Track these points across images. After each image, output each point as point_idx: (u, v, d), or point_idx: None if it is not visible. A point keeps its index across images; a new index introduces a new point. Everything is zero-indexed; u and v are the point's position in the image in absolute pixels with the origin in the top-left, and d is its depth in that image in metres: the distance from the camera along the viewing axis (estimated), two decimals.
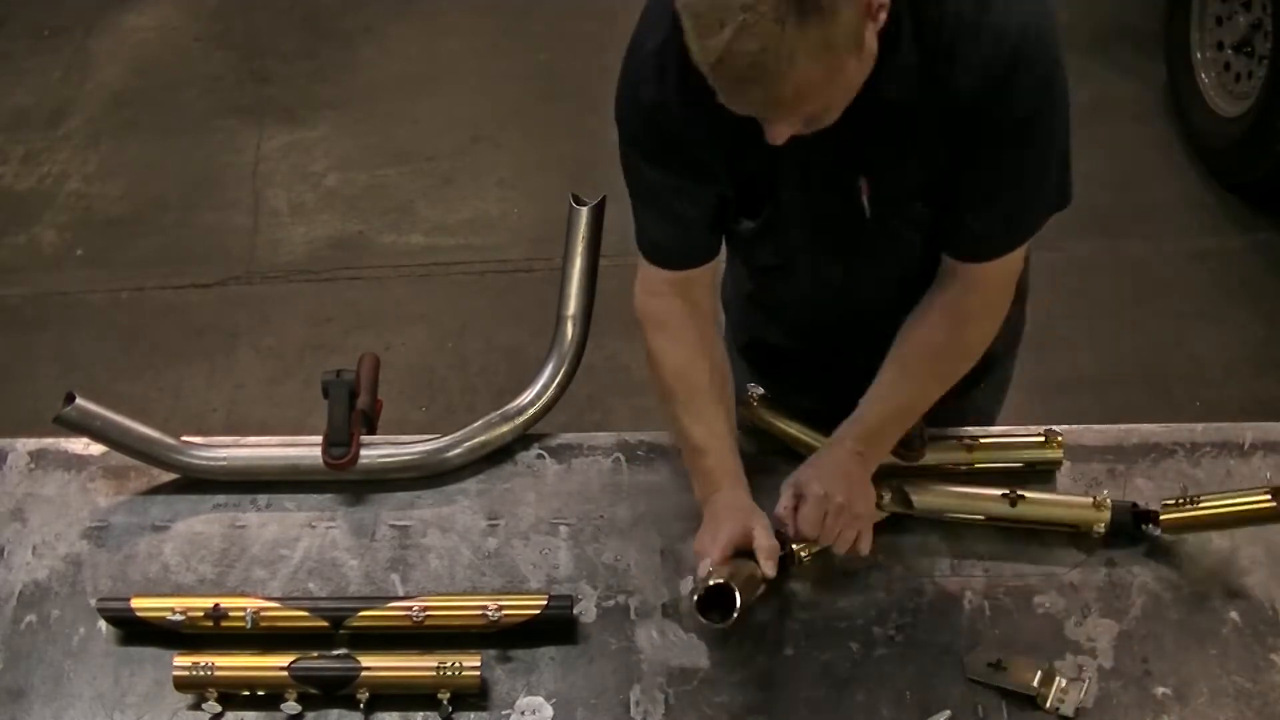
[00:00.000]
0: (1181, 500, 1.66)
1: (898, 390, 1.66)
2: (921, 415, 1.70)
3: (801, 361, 1.90)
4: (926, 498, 1.70)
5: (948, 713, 1.54)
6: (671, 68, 1.46)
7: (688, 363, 1.68)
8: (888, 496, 1.68)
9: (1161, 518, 1.67)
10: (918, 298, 1.68)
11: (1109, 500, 1.68)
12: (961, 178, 1.52)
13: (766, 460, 1.80)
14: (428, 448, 1.81)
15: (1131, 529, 1.69)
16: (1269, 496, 1.61)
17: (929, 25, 1.41)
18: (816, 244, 1.66)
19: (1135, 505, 1.69)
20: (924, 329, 1.65)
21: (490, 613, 1.58)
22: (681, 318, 1.69)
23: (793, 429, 1.80)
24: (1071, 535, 1.70)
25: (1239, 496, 1.64)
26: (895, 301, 1.70)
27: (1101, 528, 1.67)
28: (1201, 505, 1.65)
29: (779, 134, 1.39)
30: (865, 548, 1.63)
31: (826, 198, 1.57)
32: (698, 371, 1.68)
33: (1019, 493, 1.69)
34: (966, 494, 1.72)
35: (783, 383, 1.90)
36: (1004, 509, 1.69)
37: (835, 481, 1.61)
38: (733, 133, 1.45)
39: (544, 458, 1.83)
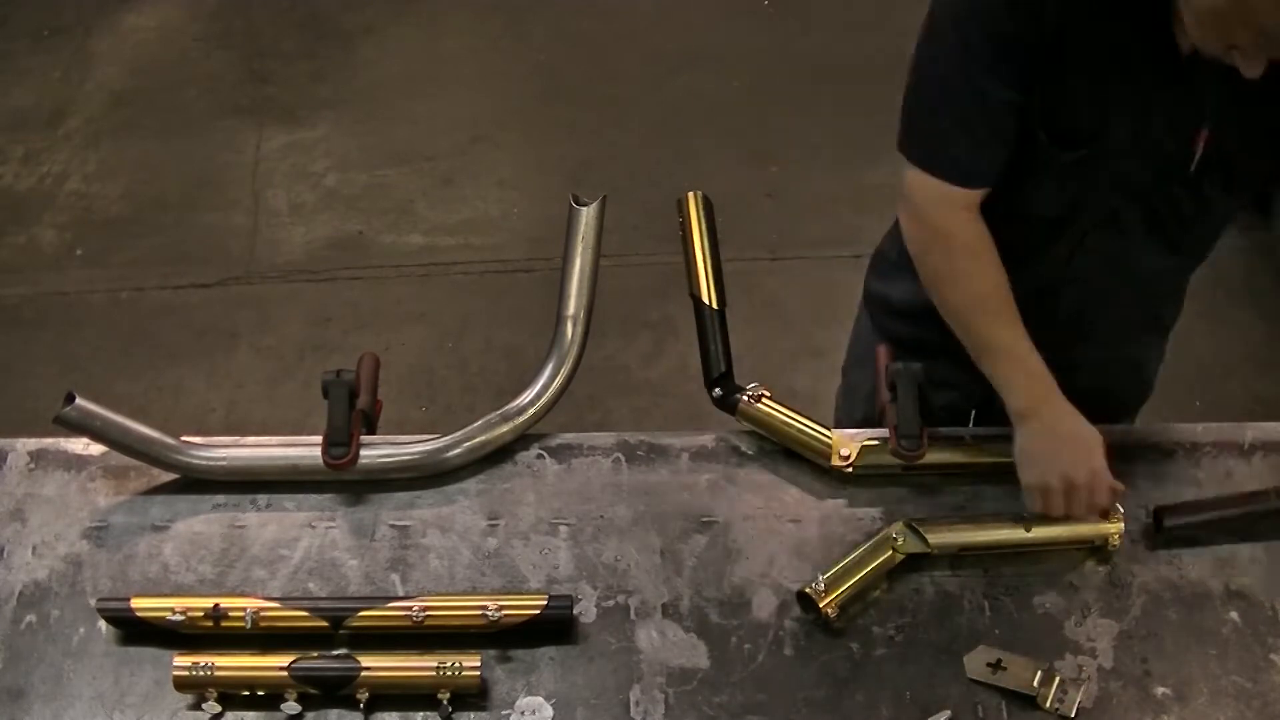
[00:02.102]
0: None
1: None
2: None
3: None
4: (943, 535, 1.68)
5: (948, 713, 1.54)
6: None
7: (1002, 282, 1.67)
8: (901, 540, 1.67)
9: (1166, 523, 1.70)
10: (1146, 322, 1.79)
11: (1122, 512, 1.69)
12: None
13: (766, 460, 1.80)
14: (427, 448, 1.81)
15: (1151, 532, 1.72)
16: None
17: None
18: (1116, 195, 1.65)
19: (1148, 511, 1.72)
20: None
21: (490, 613, 1.58)
22: (987, 242, 1.67)
23: (793, 428, 1.80)
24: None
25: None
26: (1130, 311, 1.79)
27: (1116, 539, 1.67)
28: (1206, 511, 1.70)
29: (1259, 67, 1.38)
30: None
31: (1155, 142, 1.55)
32: (1008, 292, 1.67)
33: (1031, 518, 1.68)
34: (980, 525, 1.71)
35: (932, 360, 1.79)
36: (1019, 535, 1.68)
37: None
38: (1103, 48, 1.46)
39: (544, 458, 1.83)
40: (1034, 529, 1.67)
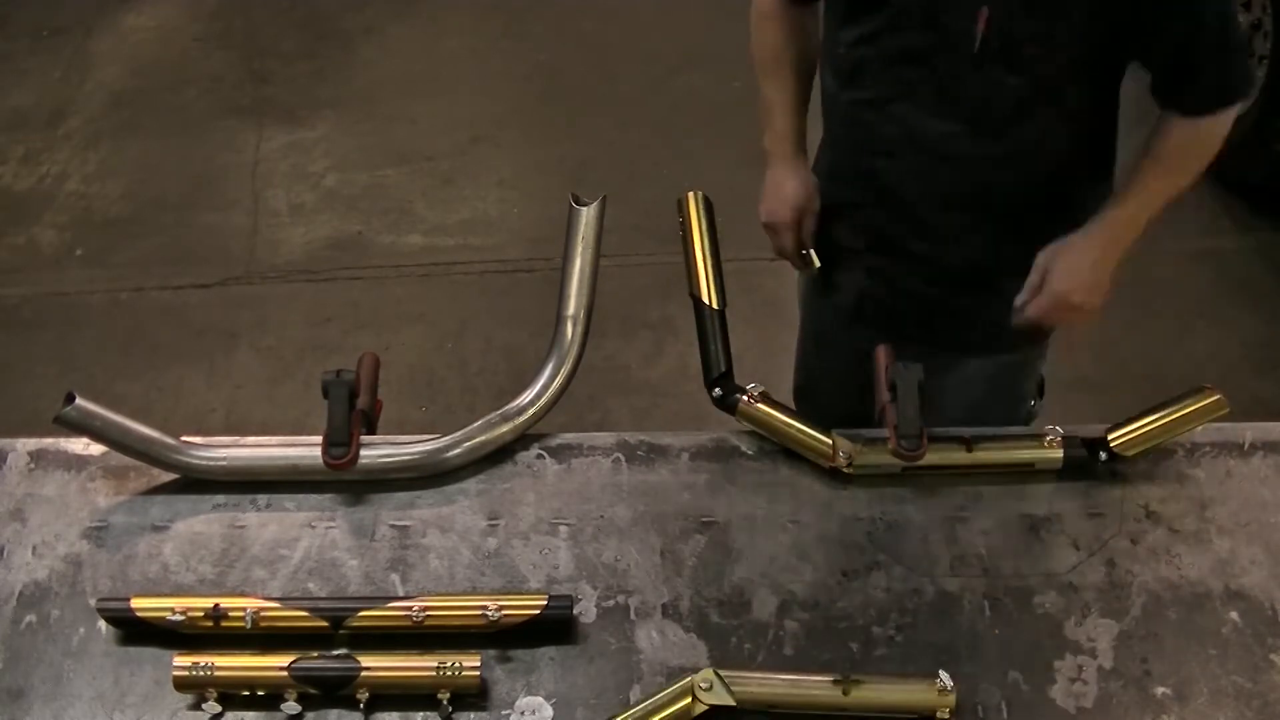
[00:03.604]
0: (1128, 421, 1.75)
1: (1146, 178, 1.82)
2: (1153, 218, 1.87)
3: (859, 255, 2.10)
4: (750, 689, 1.53)
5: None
6: None
7: (781, 47, 2.03)
8: (708, 686, 1.51)
9: (1112, 442, 1.74)
10: (1008, 209, 1.92)
11: (1061, 438, 1.75)
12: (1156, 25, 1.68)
13: (767, 461, 1.80)
14: (427, 448, 1.81)
15: (1087, 462, 1.75)
16: (1207, 390, 1.73)
17: None
18: (908, 67, 1.82)
19: (1084, 440, 1.75)
20: (1174, 147, 1.84)
21: (490, 613, 1.58)
22: (780, 12, 2.03)
23: (793, 428, 1.80)
24: (1069, 534, 1.70)
25: (1182, 402, 1.74)
26: (959, 194, 1.92)
27: (946, 714, 1.51)
28: (1147, 419, 1.74)
29: None
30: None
31: (939, 18, 1.68)
32: (787, 49, 2.03)
33: (852, 677, 1.52)
34: (796, 684, 1.55)
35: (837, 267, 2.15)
36: (835, 697, 1.52)
37: (1077, 275, 1.75)
38: None
39: (544, 458, 1.83)
40: (851, 692, 1.51)
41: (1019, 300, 1.82)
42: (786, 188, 2.08)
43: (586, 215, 1.85)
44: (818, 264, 2.13)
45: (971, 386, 2.12)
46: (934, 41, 1.75)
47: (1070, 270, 1.79)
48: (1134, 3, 1.67)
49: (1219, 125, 1.80)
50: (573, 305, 1.85)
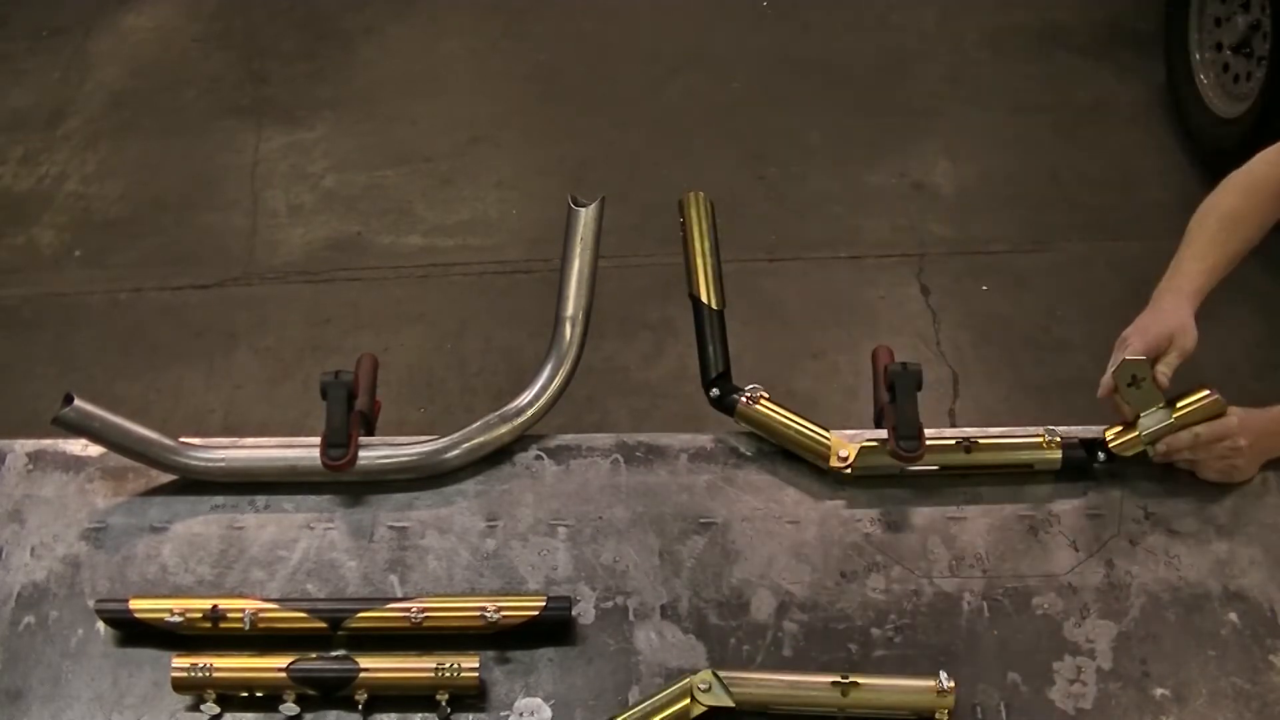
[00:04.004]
0: (1126, 425, 1.75)
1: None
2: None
3: None
4: (748, 690, 1.53)
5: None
6: None
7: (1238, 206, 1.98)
8: (707, 687, 1.52)
9: (1111, 443, 1.74)
10: None
11: (1059, 439, 1.75)
12: None
13: (765, 462, 1.80)
14: (426, 449, 1.81)
15: (1086, 463, 1.76)
16: (1207, 392, 1.73)
17: None
18: None
19: (1082, 441, 1.76)
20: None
21: (489, 614, 1.58)
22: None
23: (792, 429, 1.80)
24: (1068, 535, 1.70)
25: (1180, 401, 1.73)
26: None
27: (945, 715, 1.52)
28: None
29: None
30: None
31: None
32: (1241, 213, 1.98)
33: (851, 678, 1.52)
34: (794, 684, 1.55)
35: None
36: (834, 698, 1.52)
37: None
38: None
39: (542, 459, 1.83)
40: (850, 693, 1.51)
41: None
42: (1169, 317, 1.81)
43: (585, 216, 1.85)
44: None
45: None
46: None
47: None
48: None
49: None
50: (571, 306, 1.85)
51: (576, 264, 1.86)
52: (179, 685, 1.55)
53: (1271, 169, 1.94)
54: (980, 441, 1.79)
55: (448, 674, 1.54)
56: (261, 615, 1.59)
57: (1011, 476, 1.78)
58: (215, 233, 3.97)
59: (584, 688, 1.58)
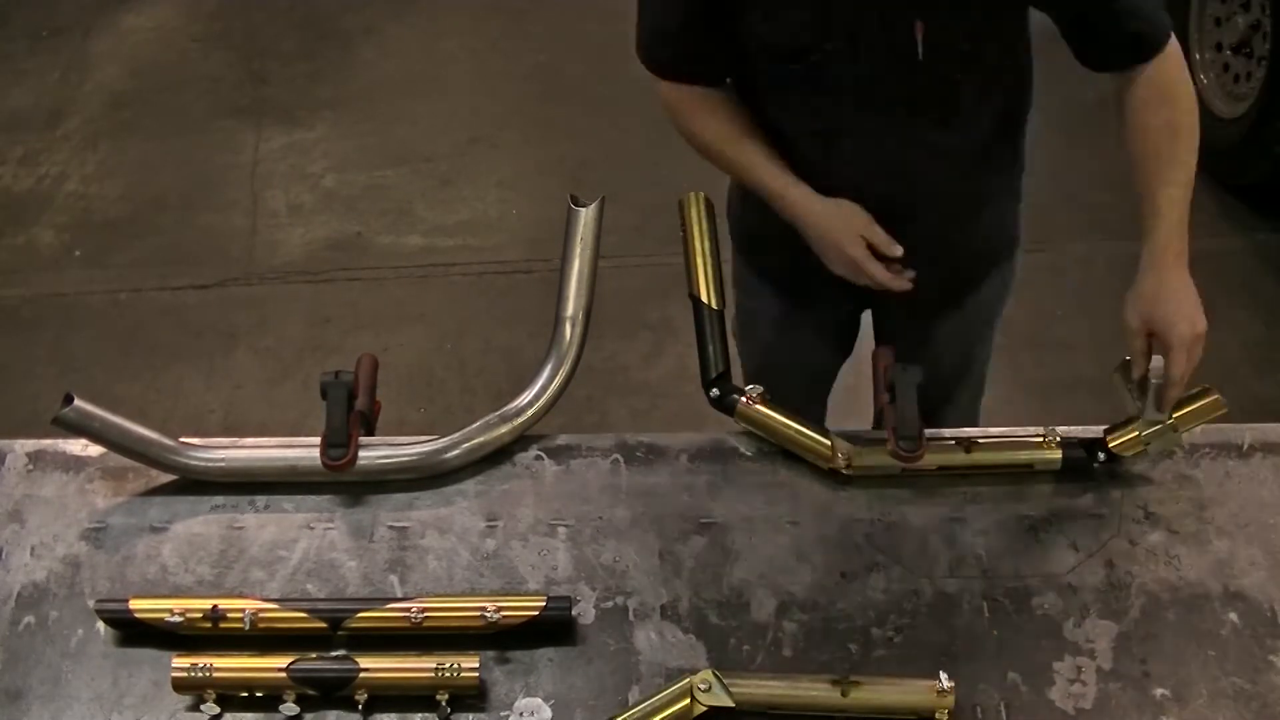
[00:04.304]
0: (1125, 423, 1.75)
1: (1168, 172, 1.75)
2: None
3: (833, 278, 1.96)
4: (749, 690, 1.53)
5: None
6: None
7: (734, 121, 1.89)
8: (707, 687, 1.52)
9: (1110, 443, 1.74)
10: (972, 200, 1.98)
11: (1059, 439, 1.75)
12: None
13: (765, 462, 1.80)
14: (426, 449, 1.81)
15: (1086, 463, 1.76)
16: (1207, 391, 1.74)
17: None
18: (865, 99, 1.79)
19: (1082, 441, 1.76)
20: (1143, 121, 1.76)
21: (489, 614, 1.58)
22: (714, 100, 1.90)
23: (791, 429, 1.80)
24: (1068, 535, 1.70)
25: (1181, 401, 1.74)
26: (949, 200, 1.95)
27: (945, 716, 1.51)
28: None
29: None
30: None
31: (879, 41, 1.64)
32: (735, 117, 1.89)
33: (851, 678, 1.52)
34: (794, 683, 1.55)
35: (813, 300, 2.13)
36: (834, 698, 1.52)
37: (1184, 309, 1.69)
38: None
39: (542, 459, 1.83)
40: (850, 693, 1.51)
41: (1141, 373, 1.73)
42: (838, 217, 1.88)
43: (585, 216, 1.85)
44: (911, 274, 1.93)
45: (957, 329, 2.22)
46: (878, 61, 1.76)
47: (1176, 311, 1.70)
48: None
49: (1173, 60, 1.76)
50: (571, 306, 1.85)
51: (576, 264, 1.86)
52: (179, 685, 1.55)
53: (698, 100, 1.94)
54: (980, 441, 1.79)
55: (448, 674, 1.54)
56: (261, 615, 1.59)
57: (1011, 476, 1.77)
58: (215, 233, 3.97)
59: (584, 688, 1.58)
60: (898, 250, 1.87)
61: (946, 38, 1.72)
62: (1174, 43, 1.76)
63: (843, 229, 1.87)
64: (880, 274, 1.87)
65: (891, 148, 1.87)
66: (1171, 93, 1.76)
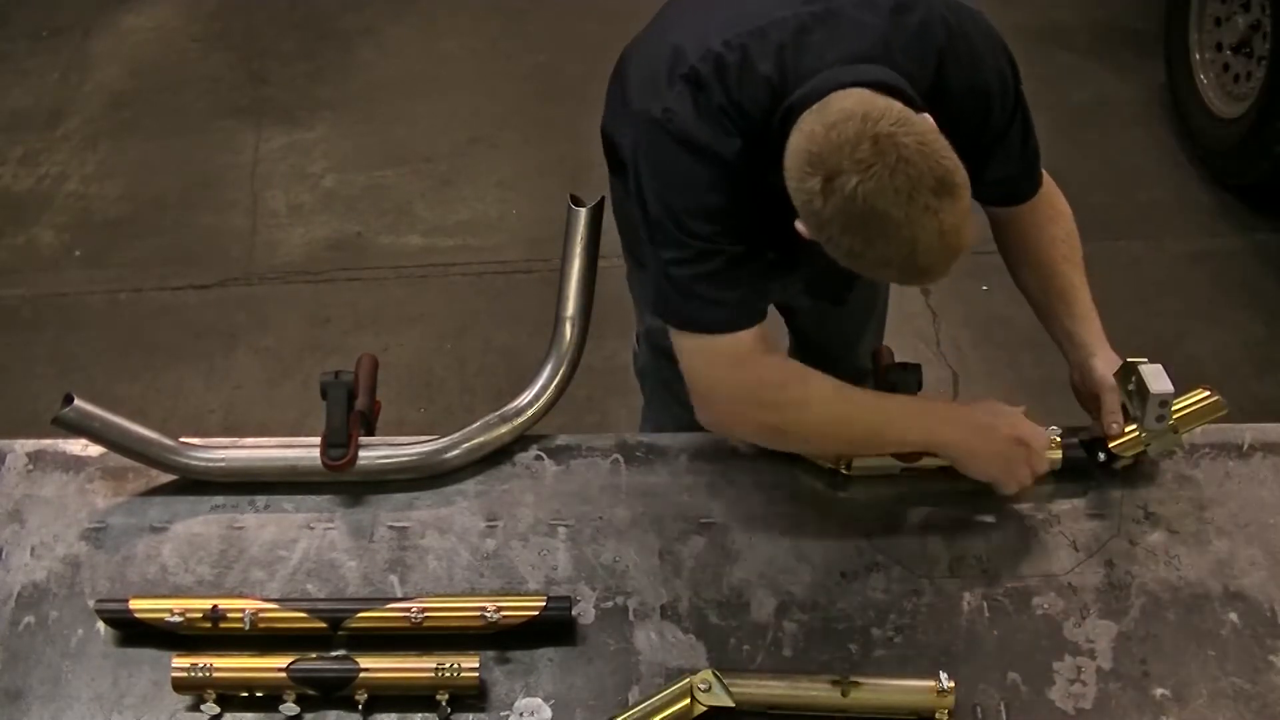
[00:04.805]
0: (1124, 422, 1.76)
1: (1079, 272, 1.86)
2: None
3: None
4: (749, 690, 1.53)
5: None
6: (745, 177, 1.60)
7: (831, 381, 1.71)
8: (707, 687, 1.52)
9: (1111, 443, 1.75)
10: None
11: (1060, 439, 1.76)
12: (991, 157, 1.72)
13: (765, 461, 1.80)
14: (426, 449, 1.81)
15: (1086, 463, 1.76)
16: (1207, 393, 1.75)
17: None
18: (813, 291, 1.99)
19: (1082, 441, 1.77)
20: (1042, 238, 1.86)
21: (489, 614, 1.58)
22: (792, 364, 1.76)
23: None
24: (1068, 535, 1.70)
25: (1179, 401, 1.74)
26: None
27: (945, 716, 1.52)
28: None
29: None
30: None
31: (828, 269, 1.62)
32: (840, 383, 1.72)
33: (851, 678, 1.52)
34: (794, 682, 1.55)
35: None
36: (834, 698, 1.52)
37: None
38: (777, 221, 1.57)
39: (542, 459, 1.83)
40: (850, 693, 1.51)
41: (1117, 428, 1.77)
42: (999, 411, 1.76)
43: (585, 216, 1.85)
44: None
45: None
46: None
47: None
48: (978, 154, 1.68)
49: (1049, 182, 1.88)
50: (571, 306, 1.85)
51: (576, 264, 1.86)
52: (179, 685, 1.55)
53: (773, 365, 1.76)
54: None
55: (448, 674, 1.54)
56: (261, 615, 1.59)
57: None
58: (215, 233, 3.97)
59: (584, 688, 1.58)
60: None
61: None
62: (1046, 184, 1.87)
63: (1008, 426, 1.73)
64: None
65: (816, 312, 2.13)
66: (1060, 208, 1.88)
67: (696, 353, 1.69)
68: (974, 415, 1.73)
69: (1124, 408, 1.75)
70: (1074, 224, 1.89)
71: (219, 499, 1.78)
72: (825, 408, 1.70)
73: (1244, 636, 1.61)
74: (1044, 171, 1.85)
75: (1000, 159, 1.74)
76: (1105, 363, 1.80)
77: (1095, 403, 1.80)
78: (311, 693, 1.55)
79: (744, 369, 1.67)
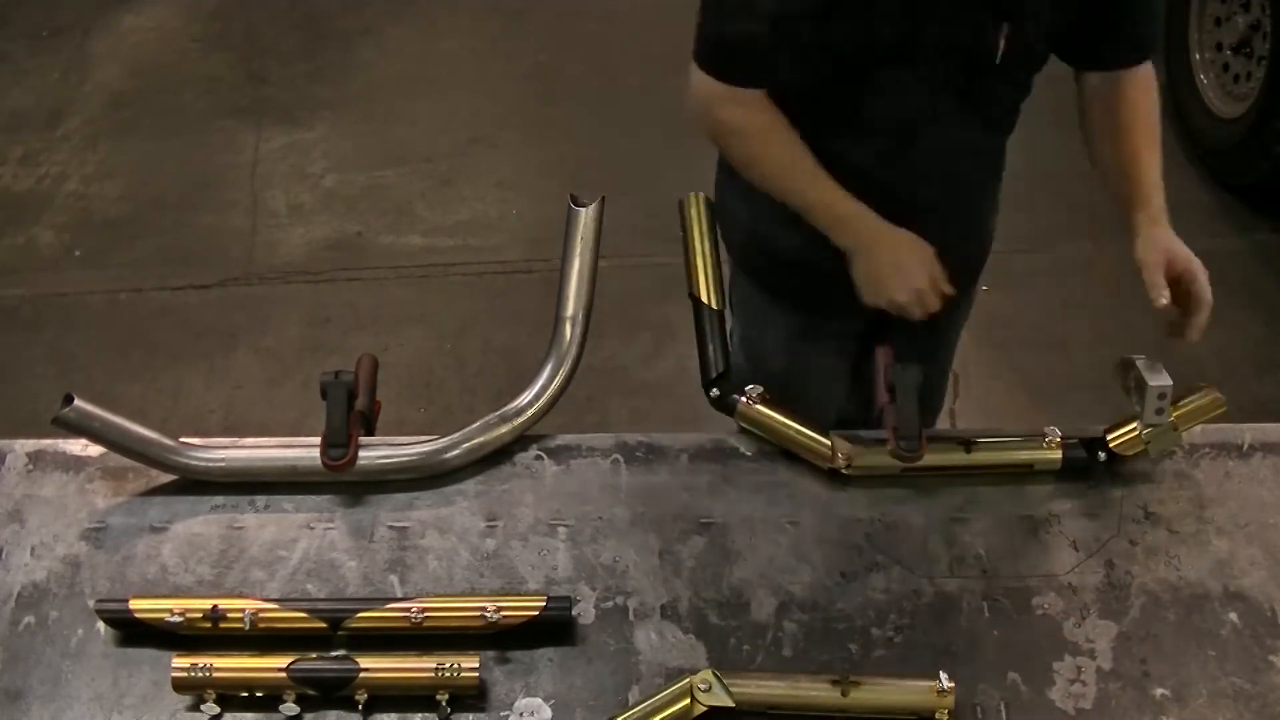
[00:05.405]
0: (1124, 421, 1.76)
1: (1155, 149, 1.89)
2: None
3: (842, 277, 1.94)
4: (749, 690, 1.53)
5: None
6: None
7: (797, 149, 1.85)
8: (707, 687, 1.51)
9: (1111, 442, 1.75)
10: (985, 204, 2.10)
11: (1060, 439, 1.76)
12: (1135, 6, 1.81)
13: (765, 462, 1.80)
14: (426, 449, 1.80)
15: (1086, 463, 1.76)
16: (1207, 390, 1.76)
17: None
18: (931, 94, 1.83)
19: (1080, 440, 1.77)
20: (1137, 102, 1.90)
21: (489, 614, 1.58)
22: (775, 121, 1.85)
23: (791, 429, 1.80)
24: (1068, 535, 1.70)
25: (1179, 400, 1.75)
26: (970, 203, 2.07)
27: (945, 716, 1.51)
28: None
29: None
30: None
31: (960, 45, 1.70)
32: (804, 154, 1.85)
33: (851, 678, 1.52)
34: (794, 683, 1.54)
35: (824, 304, 2.08)
36: (834, 698, 1.51)
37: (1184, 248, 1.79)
38: None
39: (542, 459, 1.83)
40: (850, 693, 1.51)
41: (1166, 302, 1.81)
42: (911, 248, 1.88)
43: (585, 216, 1.85)
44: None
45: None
46: (956, 64, 1.80)
47: (1181, 247, 1.84)
48: None
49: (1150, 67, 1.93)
50: (571, 306, 1.85)
51: (576, 264, 1.86)
52: (179, 685, 1.55)
53: (755, 118, 1.90)
54: (980, 441, 1.79)
55: (448, 674, 1.54)
56: (261, 615, 1.59)
57: (1011, 476, 1.78)
58: (215, 233, 3.97)
59: (584, 688, 1.58)
60: (949, 289, 1.89)
61: (1023, 42, 1.78)
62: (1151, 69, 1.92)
63: (915, 260, 1.87)
64: (934, 308, 1.88)
65: (942, 149, 1.90)
66: (1152, 83, 1.92)
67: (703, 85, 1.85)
68: (894, 249, 1.86)
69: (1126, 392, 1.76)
70: (1158, 104, 1.94)
71: (219, 499, 1.78)
72: (771, 173, 1.90)
73: (1244, 636, 1.61)
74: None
75: (1144, 6, 1.83)
76: (1150, 240, 1.85)
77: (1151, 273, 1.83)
78: (311, 693, 1.55)
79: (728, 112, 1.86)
